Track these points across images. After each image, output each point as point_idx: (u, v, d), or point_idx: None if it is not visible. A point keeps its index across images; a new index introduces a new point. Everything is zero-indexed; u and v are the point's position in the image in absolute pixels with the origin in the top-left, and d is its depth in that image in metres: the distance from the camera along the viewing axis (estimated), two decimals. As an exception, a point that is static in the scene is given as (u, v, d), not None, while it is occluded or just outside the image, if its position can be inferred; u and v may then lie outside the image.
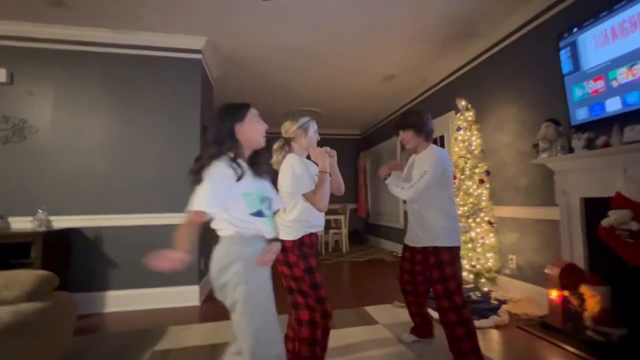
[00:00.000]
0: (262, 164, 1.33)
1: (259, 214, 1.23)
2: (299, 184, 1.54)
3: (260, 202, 1.25)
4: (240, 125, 1.26)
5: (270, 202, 1.30)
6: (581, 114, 2.26)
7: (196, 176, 1.18)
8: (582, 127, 2.26)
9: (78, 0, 2.62)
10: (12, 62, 2.92)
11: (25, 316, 1.54)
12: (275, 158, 1.71)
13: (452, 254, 1.79)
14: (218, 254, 1.21)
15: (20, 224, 2.77)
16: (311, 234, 1.65)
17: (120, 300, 2.92)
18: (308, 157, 1.71)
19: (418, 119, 1.93)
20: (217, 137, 1.23)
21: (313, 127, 1.71)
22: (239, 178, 1.18)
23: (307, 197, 1.54)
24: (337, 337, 2.20)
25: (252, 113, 1.30)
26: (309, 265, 1.55)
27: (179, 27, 3.06)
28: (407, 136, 1.94)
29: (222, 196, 1.14)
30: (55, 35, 2.99)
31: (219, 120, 1.26)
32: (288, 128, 1.69)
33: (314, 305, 1.53)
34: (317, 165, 1.63)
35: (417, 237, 1.92)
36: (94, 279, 2.92)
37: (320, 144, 1.69)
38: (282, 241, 1.57)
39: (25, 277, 1.74)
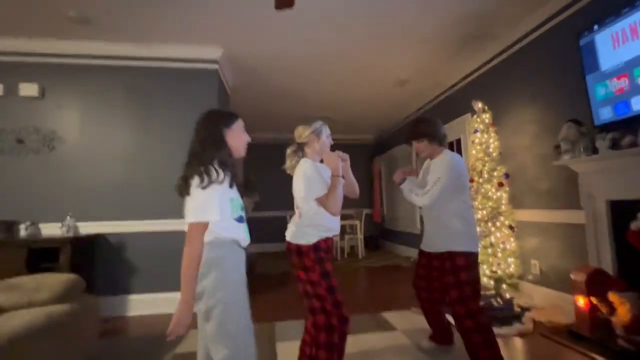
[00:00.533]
0: (238, 172, 1.35)
1: (240, 219, 1.25)
2: (311, 189, 1.55)
3: (241, 208, 1.27)
4: (227, 132, 1.27)
5: (244, 208, 1.32)
6: (605, 114, 2.19)
7: (185, 184, 1.16)
8: (607, 127, 2.18)
9: (101, 17, 2.76)
10: (43, 77, 3.10)
11: (55, 318, 1.61)
12: (288, 163, 1.73)
13: (469, 260, 1.75)
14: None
15: (49, 229, 2.91)
16: (327, 238, 1.65)
17: (142, 304, 3.00)
18: (322, 162, 1.72)
19: (430, 127, 1.91)
20: (207, 140, 1.22)
21: (326, 131, 1.72)
22: (232, 184, 1.20)
23: (319, 201, 1.55)
24: (354, 343, 2.17)
25: (240, 123, 1.32)
26: (325, 269, 1.56)
27: (196, 38, 3.17)
28: (421, 146, 1.93)
29: (219, 202, 1.16)
30: (81, 51, 3.16)
31: (207, 125, 1.25)
32: (301, 133, 1.70)
33: (330, 310, 1.52)
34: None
35: (433, 243, 1.91)
36: (117, 283, 3.03)
37: (333, 149, 1.69)
38: (298, 245, 1.59)
39: (54, 281, 1.83)
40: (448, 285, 1.77)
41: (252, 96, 4.66)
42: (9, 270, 2.22)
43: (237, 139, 1.30)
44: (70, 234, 2.79)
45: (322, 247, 1.61)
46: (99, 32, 2.99)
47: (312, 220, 1.59)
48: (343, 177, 1.63)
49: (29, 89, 3.03)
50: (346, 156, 1.67)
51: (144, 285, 3.02)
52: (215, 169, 1.15)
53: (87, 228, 3.00)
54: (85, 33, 2.98)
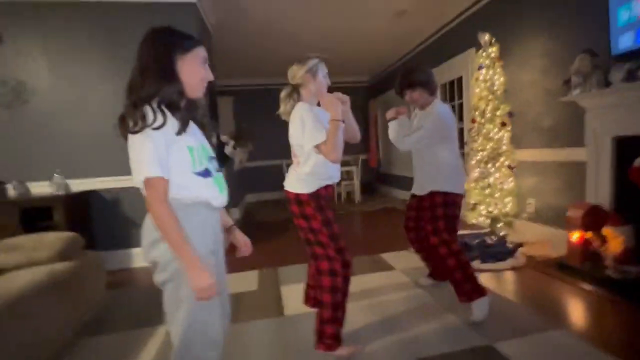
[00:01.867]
0: (199, 112, 1.04)
1: (205, 173, 0.97)
2: (309, 135, 1.44)
3: (207, 159, 0.99)
4: (181, 61, 0.93)
5: (213, 159, 1.04)
6: (625, 41, 2.01)
7: (124, 128, 0.89)
8: (625, 57, 2.03)
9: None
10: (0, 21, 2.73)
11: (58, 274, 1.61)
12: (283, 108, 1.59)
13: (447, 198, 1.86)
14: (147, 226, 0.96)
15: (39, 188, 2.82)
16: (327, 185, 1.60)
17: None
18: (319, 105, 1.59)
19: (424, 75, 1.91)
20: (149, 70, 0.90)
21: (322, 70, 1.56)
22: (182, 130, 0.91)
23: (319, 148, 1.46)
24: (355, 283, 2.23)
25: (199, 51, 0.97)
26: (326, 217, 1.53)
27: (167, -34, 2.75)
28: (415, 95, 1.93)
29: (166, 153, 0.89)
30: (37, -15, 2.75)
31: (153, 48, 0.92)
32: (295, 73, 1.54)
33: (333, 256, 1.53)
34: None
35: (420, 186, 2.01)
36: (117, 238, 3.04)
37: (330, 91, 1.55)
38: (298, 194, 1.53)
39: (53, 239, 1.80)
40: (424, 220, 1.93)
41: (238, 36, 4.25)
42: (4, 231, 2.17)
43: (193, 72, 0.95)
44: (62, 192, 2.71)
45: (323, 195, 1.57)
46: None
47: (311, 169, 1.51)
48: (343, 121, 1.52)
49: (-17, 34, 2.68)
50: (346, 98, 1.54)
51: (145, 238, 3.04)
52: (154, 110, 0.86)
53: (79, 185, 2.91)
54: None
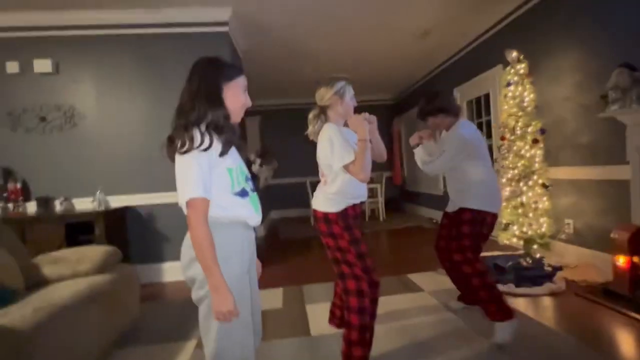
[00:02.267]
0: (237, 135, 1.08)
1: (243, 193, 1.01)
2: (337, 155, 1.47)
3: (244, 179, 1.04)
4: (226, 87, 1.00)
5: (250, 179, 1.09)
6: (666, 55, 1.92)
7: (172, 149, 0.94)
8: (666, 71, 1.93)
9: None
10: (56, 52, 3.05)
11: (98, 287, 1.70)
12: (311, 128, 1.64)
13: (475, 216, 1.81)
14: (186, 244, 0.99)
15: (81, 204, 3.03)
16: (355, 205, 1.61)
17: (176, 271, 3.15)
18: (346, 125, 1.63)
19: (444, 101, 1.95)
20: (200, 94, 0.96)
21: (350, 92, 1.60)
22: (224, 152, 0.95)
23: (347, 168, 1.48)
24: (382, 305, 2.17)
25: (242, 80, 1.05)
26: (353, 236, 1.53)
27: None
28: (437, 121, 1.96)
29: (209, 175, 0.93)
30: (90, 21, 3.06)
31: (204, 74, 1.00)
32: (323, 95, 1.59)
33: (360, 275, 1.52)
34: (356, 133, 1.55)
35: (453, 204, 1.99)
36: (150, 252, 3.17)
37: (357, 111, 1.59)
38: (326, 213, 1.55)
39: (94, 253, 1.92)
40: (451, 237, 1.90)
41: (266, 60, 4.46)
42: (51, 244, 2.35)
43: (236, 99, 1.03)
44: (102, 208, 2.89)
45: (351, 215, 1.58)
46: (106, 0, 2.85)
47: (339, 188, 1.54)
48: (370, 141, 1.54)
49: (43, 65, 3.00)
50: (373, 118, 1.56)
51: (176, 253, 3.13)
52: (202, 132, 0.92)
53: (117, 201, 3.09)
54: (93, 2, 2.85)
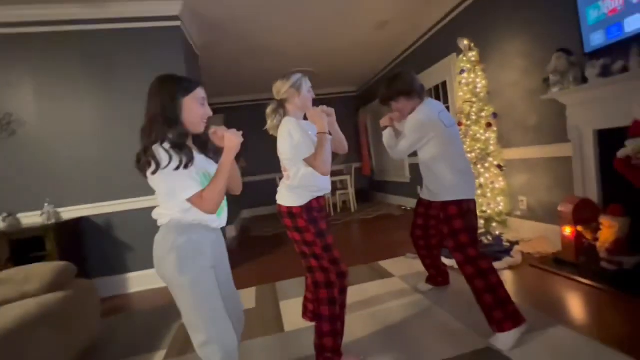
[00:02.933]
0: (202, 142, 1.17)
1: None
2: (298, 150, 1.46)
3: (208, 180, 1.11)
4: (183, 101, 1.07)
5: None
6: (596, 39, 2.08)
7: (142, 167, 1.02)
8: (598, 54, 2.09)
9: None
10: (-17, 52, 2.75)
11: (49, 306, 1.57)
12: (270, 123, 1.61)
13: (461, 208, 1.70)
14: (155, 245, 1.10)
15: (30, 219, 2.78)
16: (319, 197, 1.62)
17: (141, 280, 3.00)
18: (306, 118, 1.61)
19: (402, 83, 1.80)
20: (156, 116, 1.04)
21: (306, 84, 1.59)
22: (187, 164, 1.03)
23: (308, 161, 1.47)
24: (355, 293, 2.26)
25: (198, 92, 1.10)
26: (319, 229, 1.53)
27: (150, -8, 2.81)
28: (399, 105, 1.83)
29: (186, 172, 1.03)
30: (25, 18, 2.78)
31: (156, 96, 1.06)
32: (280, 88, 1.57)
33: (328, 267, 1.53)
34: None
35: (429, 192, 1.89)
36: (112, 263, 2.99)
37: (316, 104, 1.57)
38: (290, 207, 1.54)
39: (43, 270, 1.77)
40: (444, 235, 1.75)
41: (224, 55, 4.32)
42: (-6, 265, 2.14)
43: (195, 112, 1.09)
44: (53, 221, 2.68)
45: (315, 207, 1.58)
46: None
47: (301, 182, 1.53)
48: (330, 133, 1.54)
49: (-31, 68, 2.69)
50: (331, 110, 1.56)
51: (140, 262, 2.99)
52: (167, 151, 1.00)
53: (70, 213, 2.88)
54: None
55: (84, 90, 2.94)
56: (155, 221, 1.11)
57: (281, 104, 1.60)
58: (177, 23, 3.08)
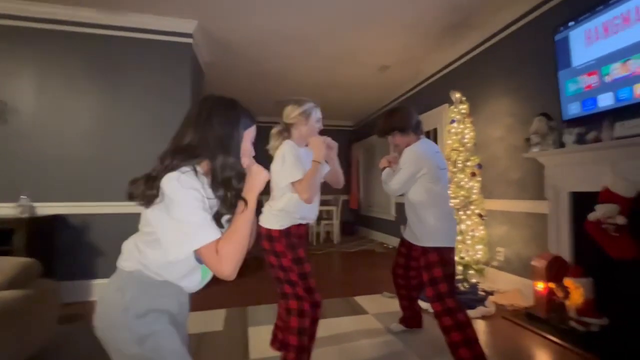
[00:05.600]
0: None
1: (199, 259, 0.85)
2: (287, 172, 1.49)
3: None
4: (245, 133, 0.91)
5: None
6: (573, 109, 2.27)
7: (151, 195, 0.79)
8: (574, 122, 2.27)
9: (61, -23, 2.49)
10: (-9, 41, 2.79)
11: (5, 304, 1.49)
12: (272, 143, 1.65)
13: (442, 255, 1.70)
14: (102, 297, 0.87)
15: (2, 210, 2.69)
16: (300, 225, 1.63)
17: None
18: (307, 145, 1.64)
19: (399, 119, 1.85)
20: (218, 137, 0.84)
21: (316, 114, 1.63)
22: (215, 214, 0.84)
23: (294, 185, 1.49)
24: (327, 327, 2.21)
25: (254, 131, 0.94)
26: (296, 255, 1.53)
27: (168, 9, 2.95)
28: (395, 140, 1.88)
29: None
30: (39, 14, 2.86)
31: (227, 115, 0.88)
32: (289, 113, 1.60)
33: (302, 295, 1.51)
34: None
35: (411, 233, 1.88)
36: (79, 267, 2.87)
37: (316, 134, 1.64)
38: (269, 230, 1.55)
39: (6, 265, 1.70)
40: (424, 282, 1.74)
41: (228, 74, 4.46)
42: (-46, 253, 2.03)
43: (243, 149, 0.91)
44: (26, 215, 2.59)
45: (294, 233, 1.58)
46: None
47: (285, 206, 1.55)
48: (329, 164, 1.59)
49: (-27, 54, 2.71)
50: (334, 144, 1.61)
51: (108, 269, 2.85)
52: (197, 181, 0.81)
53: (46, 209, 2.79)
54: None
55: (83, 91, 2.97)
56: (133, 227, 0.89)
57: (287, 128, 1.63)
58: (189, 40, 3.21)
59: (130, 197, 0.82)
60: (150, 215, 0.81)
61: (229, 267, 0.77)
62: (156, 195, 0.78)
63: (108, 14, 2.96)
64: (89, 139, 2.96)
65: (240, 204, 0.84)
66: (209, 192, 0.84)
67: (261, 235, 1.57)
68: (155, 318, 0.83)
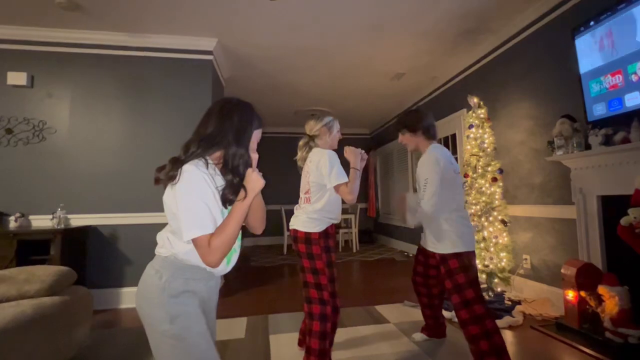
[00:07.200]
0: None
1: None
2: (336, 175, 1.60)
3: None
4: (254, 133, 1.03)
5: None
6: (598, 110, 2.20)
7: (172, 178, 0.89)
8: (600, 123, 2.20)
9: (93, 5, 2.69)
10: (32, 65, 3.03)
11: (45, 309, 1.59)
12: (300, 154, 1.82)
13: (462, 261, 1.65)
14: (143, 278, 0.97)
15: (40, 222, 2.87)
16: (333, 225, 1.71)
17: (135, 297, 2.98)
18: None
19: (412, 119, 1.87)
20: (234, 130, 0.96)
21: (337, 126, 1.83)
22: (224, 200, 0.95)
23: (338, 188, 1.60)
24: (348, 335, 2.20)
25: (259, 134, 1.06)
26: (330, 259, 1.62)
27: (190, 29, 3.12)
28: (404, 138, 1.93)
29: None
30: (72, 40, 3.10)
31: (242, 113, 1.00)
32: (312, 126, 1.79)
33: (327, 299, 1.56)
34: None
35: (428, 240, 1.85)
36: (109, 275, 3.00)
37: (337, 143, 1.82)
38: (308, 233, 1.61)
39: (45, 272, 1.81)
40: (448, 291, 1.69)
41: (247, 88, 4.61)
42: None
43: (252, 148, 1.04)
44: (62, 226, 2.75)
45: (330, 234, 1.67)
46: (89, 20, 2.92)
47: (323, 206, 1.63)
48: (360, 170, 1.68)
49: (17, 78, 2.95)
50: (365, 156, 1.73)
51: (137, 278, 2.98)
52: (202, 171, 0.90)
53: (79, 220, 2.96)
54: (75, 21, 2.91)
55: (114, 109, 3.17)
56: (156, 239, 0.98)
57: (312, 139, 1.80)
58: (210, 57, 3.37)
59: (157, 182, 0.95)
60: (171, 202, 0.91)
61: (215, 258, 0.87)
62: (175, 177, 0.88)
63: (137, 37, 3.16)
64: (117, 155, 3.13)
65: (242, 191, 0.94)
66: (218, 179, 0.95)
67: (297, 239, 1.64)
68: (187, 298, 0.93)
